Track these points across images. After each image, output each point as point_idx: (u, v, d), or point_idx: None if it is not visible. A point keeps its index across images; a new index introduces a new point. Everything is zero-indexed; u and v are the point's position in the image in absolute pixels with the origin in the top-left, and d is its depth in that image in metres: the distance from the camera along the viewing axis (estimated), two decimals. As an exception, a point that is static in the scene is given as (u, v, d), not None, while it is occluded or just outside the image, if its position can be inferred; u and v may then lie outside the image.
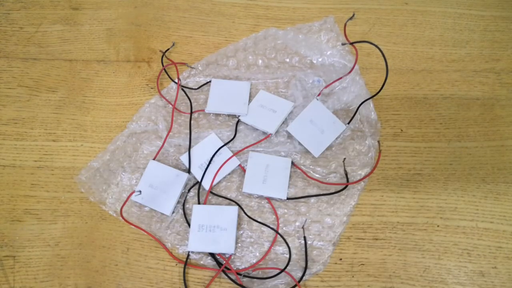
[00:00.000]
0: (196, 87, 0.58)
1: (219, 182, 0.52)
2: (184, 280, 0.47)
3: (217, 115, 0.56)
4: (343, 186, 0.50)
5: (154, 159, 0.52)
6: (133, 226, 0.49)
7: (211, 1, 0.66)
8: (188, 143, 0.53)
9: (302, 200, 0.50)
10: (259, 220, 0.49)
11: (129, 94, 0.58)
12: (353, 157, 0.53)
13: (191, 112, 0.55)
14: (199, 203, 0.50)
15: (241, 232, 0.49)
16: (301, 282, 0.46)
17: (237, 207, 0.49)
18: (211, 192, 0.51)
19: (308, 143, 0.53)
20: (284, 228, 0.49)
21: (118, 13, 0.65)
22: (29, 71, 0.60)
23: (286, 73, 0.58)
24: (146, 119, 0.55)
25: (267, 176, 0.50)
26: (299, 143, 0.53)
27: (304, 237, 0.48)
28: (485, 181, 0.52)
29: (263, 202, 0.51)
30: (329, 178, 0.52)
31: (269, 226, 0.49)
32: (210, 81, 0.57)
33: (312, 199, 0.50)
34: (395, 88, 0.58)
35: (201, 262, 0.48)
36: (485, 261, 0.47)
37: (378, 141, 0.53)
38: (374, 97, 0.54)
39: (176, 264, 0.48)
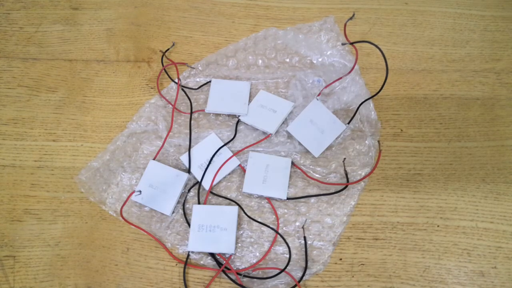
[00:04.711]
0: (196, 87, 0.58)
1: (219, 182, 0.52)
2: (184, 280, 0.47)
3: (217, 115, 0.56)
4: (343, 186, 0.50)
5: (154, 159, 0.52)
6: (133, 226, 0.49)
7: (211, 1, 0.66)
8: (188, 143, 0.53)
9: (302, 200, 0.50)
10: (259, 220, 0.49)
11: (129, 94, 0.58)
12: (353, 157, 0.53)
13: (191, 112, 0.55)
14: (199, 203, 0.50)
15: (241, 232, 0.49)
16: (301, 282, 0.46)
17: (237, 207, 0.49)
18: (211, 192, 0.51)
19: (308, 143, 0.53)
20: (284, 228, 0.49)
21: (118, 13, 0.65)
22: (29, 71, 0.60)
23: (286, 73, 0.58)
24: (146, 119, 0.55)
25: (267, 176, 0.50)
26: (299, 143, 0.53)
27: (304, 237, 0.48)
28: (485, 181, 0.52)
29: (263, 202, 0.51)
30: (329, 178, 0.52)
31: (269, 226, 0.49)
32: (210, 81, 0.57)
33: (312, 199, 0.50)
34: (395, 88, 0.58)
35: (201, 262, 0.48)
36: (485, 261, 0.47)
37: (378, 141, 0.53)
38: (374, 97, 0.54)
39: (176, 264, 0.48)
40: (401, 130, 0.55)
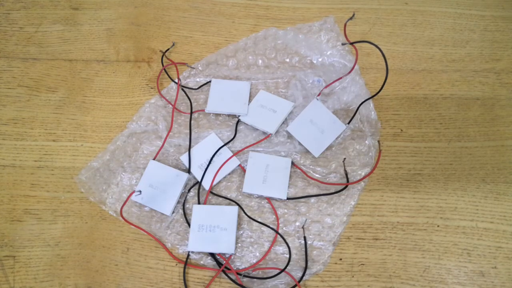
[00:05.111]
0: (196, 87, 0.58)
1: (219, 182, 0.52)
2: (184, 280, 0.47)
3: (217, 115, 0.56)
4: (343, 186, 0.50)
5: (154, 159, 0.52)
6: (133, 226, 0.49)
7: (211, 1, 0.66)
8: (188, 143, 0.53)
9: (302, 200, 0.50)
10: (259, 220, 0.49)
11: (129, 94, 0.58)
12: (353, 157, 0.53)
13: (191, 112, 0.55)
14: (199, 203, 0.50)
15: (241, 232, 0.49)
16: (301, 282, 0.46)
17: (237, 207, 0.49)
18: (211, 192, 0.51)
19: (308, 143, 0.53)
20: (284, 228, 0.49)
21: (118, 13, 0.65)
22: (29, 71, 0.60)
23: (286, 73, 0.58)
24: (146, 119, 0.55)
25: (267, 176, 0.50)
26: (299, 143, 0.53)
27: (304, 237, 0.48)
28: (485, 181, 0.52)
29: (263, 202, 0.51)
30: (329, 178, 0.52)
31: (269, 226, 0.49)
32: (210, 81, 0.57)
33: (312, 199, 0.50)
34: (395, 88, 0.58)
35: (201, 262, 0.48)
36: (485, 261, 0.47)
37: (378, 141, 0.53)
38: (374, 97, 0.54)
39: (176, 264, 0.48)
40: (401, 130, 0.55)
